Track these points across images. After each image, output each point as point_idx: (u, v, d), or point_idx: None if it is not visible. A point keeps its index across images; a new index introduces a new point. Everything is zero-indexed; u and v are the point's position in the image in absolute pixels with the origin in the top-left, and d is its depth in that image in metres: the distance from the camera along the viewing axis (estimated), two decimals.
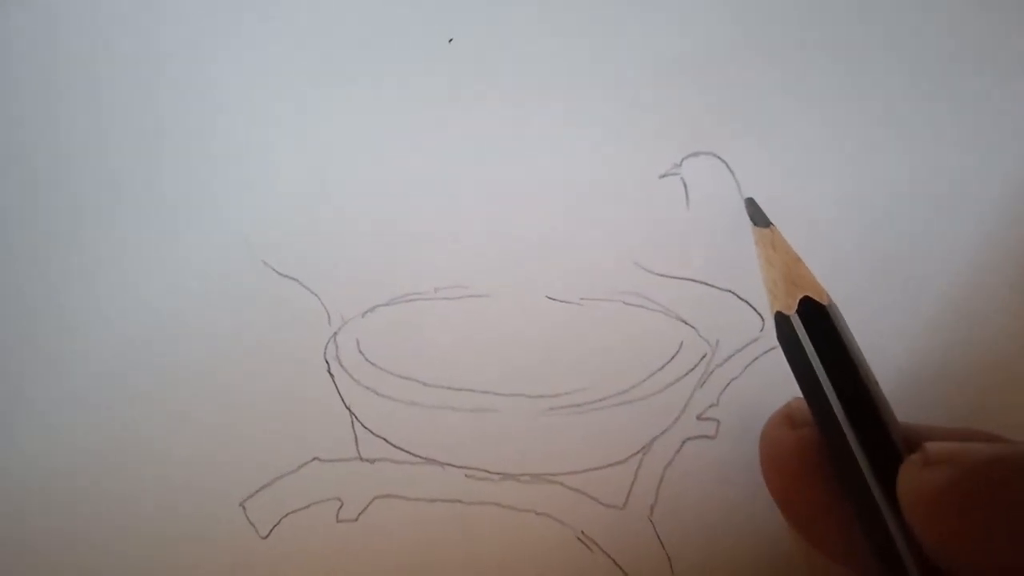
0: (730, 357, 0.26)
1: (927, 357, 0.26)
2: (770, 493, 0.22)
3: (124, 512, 0.25)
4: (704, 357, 0.26)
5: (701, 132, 0.26)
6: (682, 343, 0.26)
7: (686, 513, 0.25)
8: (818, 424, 0.21)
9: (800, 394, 0.22)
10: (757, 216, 0.24)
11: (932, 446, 0.19)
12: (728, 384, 0.26)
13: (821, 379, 0.21)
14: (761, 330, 0.26)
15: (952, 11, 0.26)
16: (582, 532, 0.25)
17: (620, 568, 0.25)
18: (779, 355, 0.25)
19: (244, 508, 0.25)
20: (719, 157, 0.26)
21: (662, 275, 0.26)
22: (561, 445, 0.25)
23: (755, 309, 0.26)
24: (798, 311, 0.22)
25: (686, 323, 0.26)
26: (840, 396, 0.21)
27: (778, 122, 0.26)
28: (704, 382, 0.26)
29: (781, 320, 0.22)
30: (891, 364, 0.26)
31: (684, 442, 0.25)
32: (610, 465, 0.25)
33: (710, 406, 0.26)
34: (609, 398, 0.25)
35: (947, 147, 0.26)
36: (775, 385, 0.25)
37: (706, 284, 0.26)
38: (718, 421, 0.26)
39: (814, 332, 0.21)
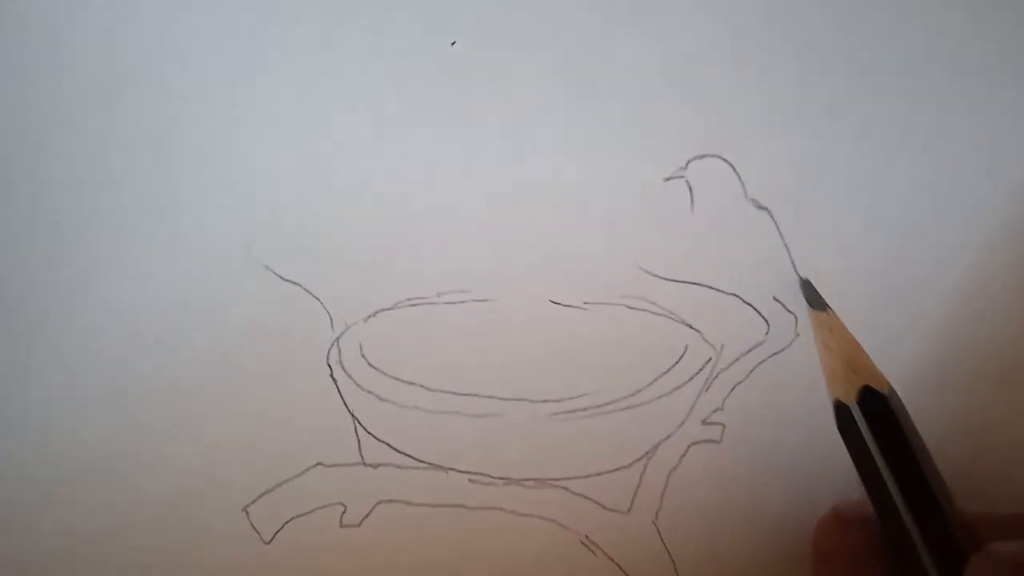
0: (735, 361, 0.26)
1: (931, 358, 0.26)
2: None
3: (126, 517, 0.25)
4: (709, 361, 0.25)
5: (706, 135, 0.25)
6: (687, 347, 0.25)
7: (691, 518, 0.25)
8: (879, 515, 0.21)
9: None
10: (814, 299, 0.24)
11: (997, 546, 0.19)
12: (733, 388, 0.25)
13: (882, 471, 0.21)
14: (766, 334, 0.25)
15: (956, 14, 0.26)
16: (586, 537, 0.25)
17: (624, 573, 0.25)
18: (784, 359, 0.25)
19: (247, 513, 0.25)
20: (724, 159, 0.25)
21: (667, 279, 0.25)
22: (565, 450, 0.25)
23: (760, 313, 0.25)
24: (858, 401, 0.22)
25: (691, 327, 0.25)
26: (902, 489, 0.21)
27: (783, 124, 0.25)
28: (709, 386, 0.25)
29: (841, 409, 0.22)
30: (895, 365, 0.25)
31: (689, 447, 0.25)
32: (615, 470, 0.25)
33: (715, 410, 0.26)
34: (613, 402, 0.25)
35: (952, 149, 0.26)
36: (780, 389, 0.25)
37: (711, 288, 0.25)
38: (723, 425, 0.25)
39: (874, 423, 0.21)
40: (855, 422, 0.22)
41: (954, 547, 0.20)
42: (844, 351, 0.22)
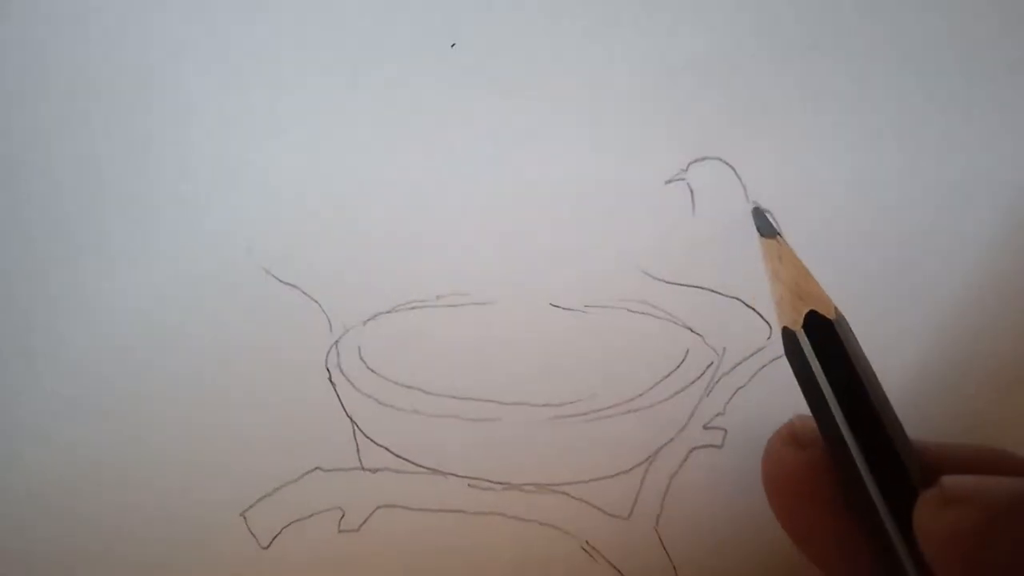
0: (737, 365, 0.25)
1: (935, 357, 0.25)
2: (774, 513, 0.22)
3: (124, 522, 0.25)
4: (711, 365, 0.25)
5: (707, 137, 0.25)
6: (688, 351, 0.25)
7: (692, 523, 0.25)
8: (826, 443, 0.21)
9: (804, 411, 0.22)
10: (763, 226, 0.24)
11: (950, 482, 0.18)
12: (735, 393, 0.25)
13: (828, 398, 0.20)
14: (768, 338, 0.25)
15: (963, 14, 0.25)
16: (587, 542, 0.25)
17: None
18: (787, 363, 0.25)
19: (245, 518, 0.25)
20: (726, 162, 0.25)
21: (668, 282, 0.25)
22: (565, 454, 0.25)
23: (762, 317, 0.25)
24: (804, 326, 0.21)
25: (692, 331, 0.25)
26: (848, 416, 0.20)
27: (785, 126, 0.25)
28: (710, 391, 0.25)
29: (787, 335, 0.22)
30: (899, 363, 0.25)
31: (690, 451, 0.25)
32: (615, 475, 0.25)
33: (716, 415, 0.25)
34: (614, 407, 0.25)
35: (957, 150, 0.26)
36: (782, 394, 0.25)
37: (712, 291, 0.25)
38: (725, 430, 0.25)
39: (820, 348, 0.21)
40: (802, 349, 0.21)
41: (903, 478, 0.19)
42: (792, 278, 0.22)
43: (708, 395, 0.25)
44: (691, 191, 0.25)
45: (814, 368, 0.21)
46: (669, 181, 0.25)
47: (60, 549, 0.25)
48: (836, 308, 0.22)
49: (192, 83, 0.25)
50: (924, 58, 0.25)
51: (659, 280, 0.25)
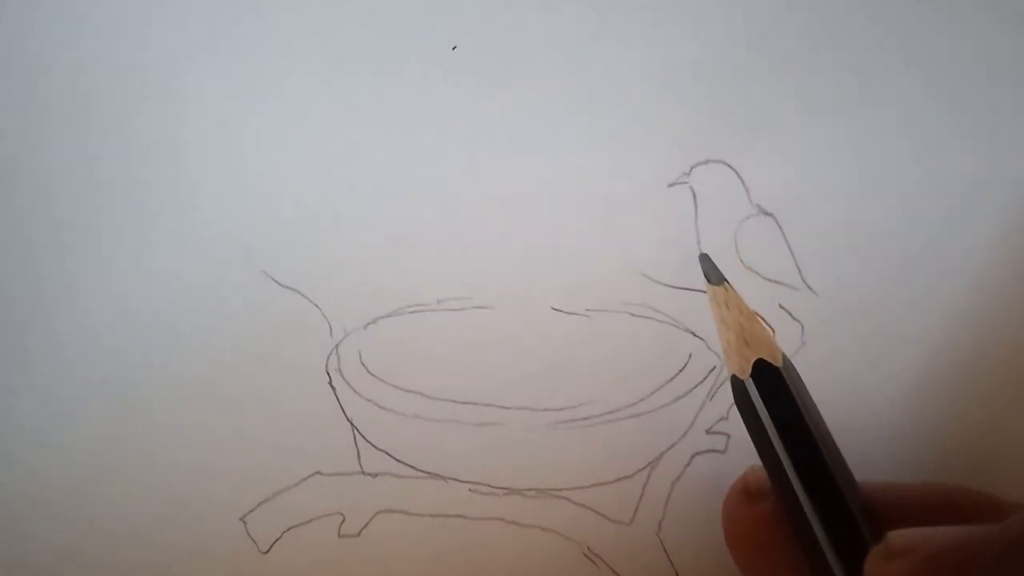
0: None
1: (938, 365, 0.25)
2: (736, 565, 0.22)
3: (123, 527, 0.25)
4: (713, 370, 0.25)
5: (710, 140, 0.25)
6: (691, 355, 0.25)
7: (695, 529, 0.25)
8: (777, 494, 0.21)
9: (756, 460, 0.22)
10: (711, 273, 0.23)
11: (894, 537, 0.18)
12: None
13: (778, 449, 0.20)
14: None
15: (963, 17, 0.25)
16: (588, 548, 0.25)
17: None
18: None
19: (244, 523, 0.25)
20: (729, 165, 0.25)
21: (670, 286, 0.25)
22: (567, 459, 0.25)
23: (765, 321, 0.25)
24: (752, 375, 0.21)
25: (695, 335, 0.25)
26: (797, 468, 0.20)
27: (788, 129, 0.25)
28: (713, 395, 0.25)
29: (736, 384, 0.22)
30: (903, 366, 0.25)
31: (693, 456, 0.25)
32: (617, 480, 0.25)
33: (720, 420, 0.25)
34: (616, 411, 0.25)
35: (958, 153, 0.25)
36: None
37: None
38: (728, 435, 0.25)
39: (768, 397, 0.21)
40: (751, 398, 0.21)
41: (854, 530, 0.19)
42: (739, 324, 0.22)
43: (711, 399, 0.25)
44: (694, 194, 0.25)
45: (763, 418, 0.21)
46: (672, 184, 0.25)
47: (57, 553, 0.25)
48: (784, 355, 0.21)
49: (191, 85, 0.25)
50: (926, 59, 0.25)
51: (661, 283, 0.25)
